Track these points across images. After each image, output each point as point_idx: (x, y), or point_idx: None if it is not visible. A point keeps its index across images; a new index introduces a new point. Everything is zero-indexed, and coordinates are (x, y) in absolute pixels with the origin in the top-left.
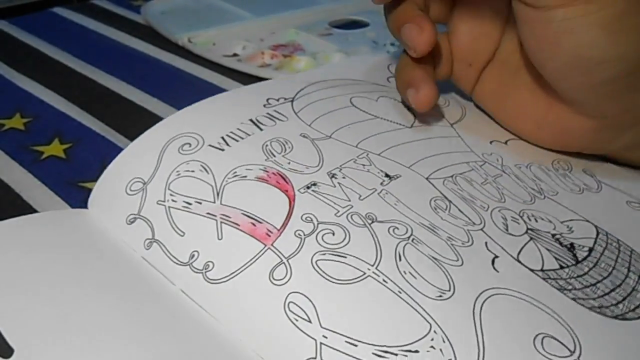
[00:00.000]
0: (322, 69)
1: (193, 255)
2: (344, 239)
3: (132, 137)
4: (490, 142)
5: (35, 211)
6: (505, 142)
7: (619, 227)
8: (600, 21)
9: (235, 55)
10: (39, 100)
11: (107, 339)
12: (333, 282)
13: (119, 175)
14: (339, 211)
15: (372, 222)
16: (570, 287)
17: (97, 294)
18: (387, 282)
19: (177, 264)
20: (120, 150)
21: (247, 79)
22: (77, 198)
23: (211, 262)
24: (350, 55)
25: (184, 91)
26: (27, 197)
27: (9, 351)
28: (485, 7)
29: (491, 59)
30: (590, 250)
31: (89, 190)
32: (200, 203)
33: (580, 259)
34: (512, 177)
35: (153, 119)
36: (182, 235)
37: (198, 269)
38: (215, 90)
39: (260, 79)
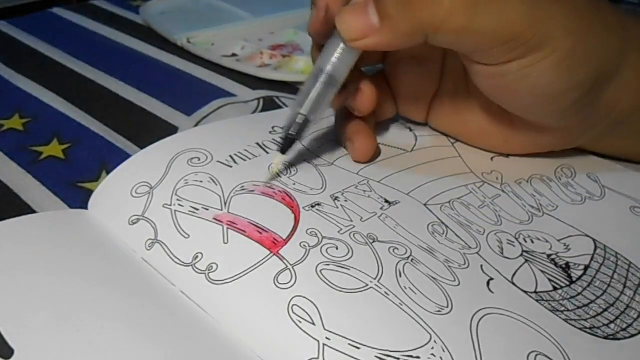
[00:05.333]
0: None
1: (197, 257)
2: (347, 253)
3: (131, 138)
4: (492, 159)
5: (34, 212)
6: (507, 156)
7: (620, 236)
8: (553, 62)
9: (234, 55)
10: (38, 101)
11: (106, 339)
12: (337, 290)
13: (124, 179)
14: (341, 229)
15: (374, 241)
16: (562, 308)
17: (96, 294)
18: (388, 295)
19: (179, 264)
20: (119, 150)
21: (246, 79)
22: (76, 198)
23: (215, 263)
24: None
25: (183, 91)
26: (25, 198)
27: (9, 351)
28: (420, 45)
29: (438, 88)
30: (586, 268)
31: (88, 191)
32: (207, 209)
33: (574, 279)
34: (511, 195)
35: (152, 119)
36: (186, 237)
37: (201, 270)
38: (214, 90)
39: (259, 79)
